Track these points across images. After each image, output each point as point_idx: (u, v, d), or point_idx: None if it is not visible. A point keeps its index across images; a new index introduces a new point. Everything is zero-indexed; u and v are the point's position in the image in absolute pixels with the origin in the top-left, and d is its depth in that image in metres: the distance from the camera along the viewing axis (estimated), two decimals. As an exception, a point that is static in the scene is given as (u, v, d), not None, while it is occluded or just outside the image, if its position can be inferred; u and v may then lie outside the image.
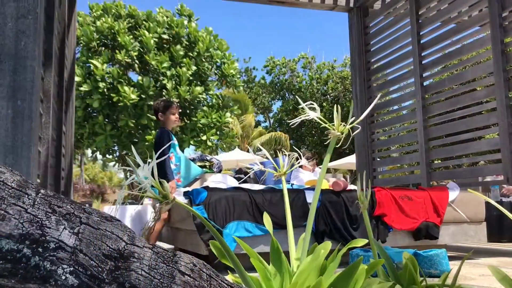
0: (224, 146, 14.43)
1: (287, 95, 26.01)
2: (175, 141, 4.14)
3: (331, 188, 3.56)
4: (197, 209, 3.05)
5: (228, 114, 14.04)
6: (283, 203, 3.29)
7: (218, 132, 13.96)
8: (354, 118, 1.75)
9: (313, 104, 1.70)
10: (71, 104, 5.69)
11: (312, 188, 3.57)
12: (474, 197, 3.77)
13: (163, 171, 3.89)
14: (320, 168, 5.69)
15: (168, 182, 3.92)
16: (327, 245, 1.53)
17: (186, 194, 3.30)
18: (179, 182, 4.20)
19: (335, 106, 1.77)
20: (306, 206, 3.32)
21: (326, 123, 1.67)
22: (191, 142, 13.66)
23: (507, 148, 4.36)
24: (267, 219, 1.67)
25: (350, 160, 18.92)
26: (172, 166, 4.01)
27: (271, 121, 27.70)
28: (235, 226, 3.10)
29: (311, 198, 3.41)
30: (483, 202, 3.81)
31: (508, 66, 4.47)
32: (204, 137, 13.65)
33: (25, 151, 2.24)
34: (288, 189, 3.16)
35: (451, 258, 3.45)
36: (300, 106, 1.67)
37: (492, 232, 4.48)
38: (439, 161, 5.88)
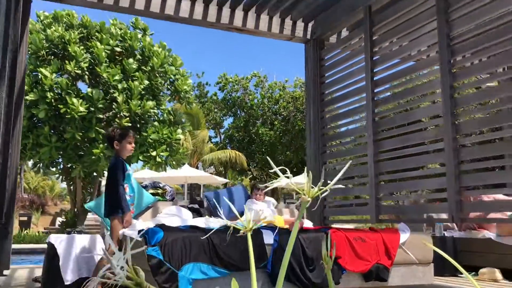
0: (174, 163, 14.22)
1: (238, 112, 26.10)
2: (129, 170, 4.04)
3: (287, 227, 3.59)
4: (152, 250, 2.98)
5: (179, 130, 13.89)
6: (240, 244, 3.29)
7: (168, 148, 13.76)
8: (323, 183, 1.78)
9: (286, 172, 1.72)
10: (18, 120, 5.45)
11: (269, 227, 3.58)
12: (423, 239, 3.91)
13: (118, 203, 3.80)
14: (271, 199, 5.73)
15: (123, 214, 3.82)
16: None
17: (141, 233, 3.22)
18: (132, 213, 4.10)
19: (305, 169, 1.79)
20: (263, 247, 3.32)
21: (297, 189, 1.68)
22: (140, 157, 13.39)
23: (453, 188, 4.56)
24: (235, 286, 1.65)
25: (298, 180, 19.17)
26: (127, 198, 3.91)
27: (222, 137, 27.66)
28: (191, 267, 3.05)
29: (269, 238, 3.42)
30: (431, 243, 3.95)
31: (456, 109, 4.70)
32: (153, 153, 13.40)
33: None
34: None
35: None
36: (272, 170, 1.68)
37: (437, 267, 4.65)
38: (388, 195, 6.06)
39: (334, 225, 6.76)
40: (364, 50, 5.81)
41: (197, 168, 23.55)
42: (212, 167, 26.68)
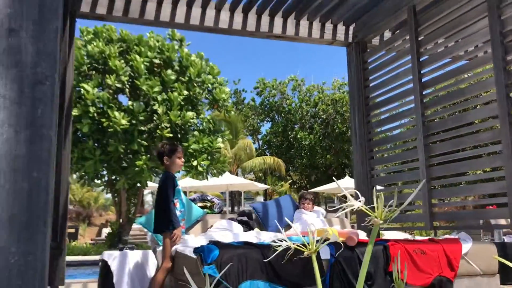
0: (215, 171, 14.28)
1: (276, 117, 26.04)
2: (179, 186, 4.03)
3: (342, 240, 3.48)
4: (208, 268, 2.94)
5: (219, 139, 13.94)
6: (297, 260, 3.20)
7: (209, 157, 13.83)
8: (392, 204, 1.67)
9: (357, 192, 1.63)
10: (68, 139, 5.55)
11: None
12: (487, 249, 3.72)
13: (169, 220, 3.79)
14: (320, 208, 5.61)
15: (173, 229, 3.81)
16: None
17: (196, 251, 3.19)
18: (183, 228, 4.09)
19: (374, 189, 1.69)
20: (320, 262, 3.22)
21: (369, 212, 1.59)
22: (182, 167, 13.50)
23: (514, 192, 4.32)
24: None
25: (340, 185, 18.96)
26: (177, 213, 3.90)
27: (260, 143, 27.65)
28: (248, 285, 2.99)
29: (326, 253, 3.32)
30: (496, 253, 3.76)
31: (513, 110, 4.47)
32: (195, 163, 13.51)
33: (40, 226, 2.10)
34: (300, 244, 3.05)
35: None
36: (337, 189, 1.61)
37: (500, 275, 4.42)
38: (442, 201, 5.84)
39: (383, 232, 6.59)
40: (410, 51, 5.62)
41: (236, 175, 23.64)
42: (251, 173, 26.71)
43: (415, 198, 5.78)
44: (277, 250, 2.86)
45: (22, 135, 2.18)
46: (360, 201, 1.73)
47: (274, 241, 2.22)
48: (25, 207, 2.12)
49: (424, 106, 5.48)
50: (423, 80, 5.52)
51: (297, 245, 2.20)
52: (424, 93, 5.49)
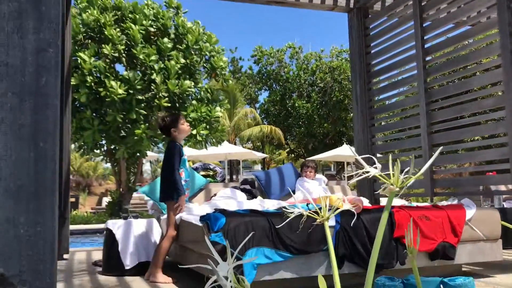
0: (214, 140, 14.25)
1: (274, 85, 25.86)
2: (185, 156, 4.02)
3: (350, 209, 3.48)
4: (216, 236, 2.95)
5: (218, 108, 13.85)
6: (303, 228, 3.21)
7: (207, 126, 13.78)
8: (409, 170, 1.66)
9: (373, 158, 1.62)
10: (68, 108, 5.51)
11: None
12: (490, 215, 3.75)
13: (174, 187, 3.80)
14: (322, 176, 5.62)
15: (178, 197, 3.83)
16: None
17: (203, 219, 3.19)
18: (187, 197, 4.10)
19: (390, 157, 1.68)
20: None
21: (385, 179, 1.58)
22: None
23: (516, 159, 4.33)
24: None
25: (337, 153, 19.04)
26: (182, 183, 3.90)
27: (258, 111, 27.58)
28: (255, 252, 3.02)
29: (331, 220, 3.33)
30: (499, 219, 3.79)
31: (517, 75, 4.42)
32: (194, 131, 13.45)
33: (48, 196, 2.10)
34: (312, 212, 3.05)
35: (465, 273, 3.45)
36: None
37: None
38: (439, 167, 5.85)
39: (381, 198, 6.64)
40: (413, 17, 5.54)
41: (235, 144, 23.67)
42: (249, 142, 26.75)
43: (416, 165, 5.79)
44: (288, 217, 2.86)
45: (26, 104, 2.14)
46: (376, 168, 1.72)
47: (285, 208, 2.23)
48: (33, 178, 2.09)
49: (427, 72, 5.43)
50: (426, 46, 5.45)
51: (310, 213, 2.20)
52: (427, 59, 5.43)
